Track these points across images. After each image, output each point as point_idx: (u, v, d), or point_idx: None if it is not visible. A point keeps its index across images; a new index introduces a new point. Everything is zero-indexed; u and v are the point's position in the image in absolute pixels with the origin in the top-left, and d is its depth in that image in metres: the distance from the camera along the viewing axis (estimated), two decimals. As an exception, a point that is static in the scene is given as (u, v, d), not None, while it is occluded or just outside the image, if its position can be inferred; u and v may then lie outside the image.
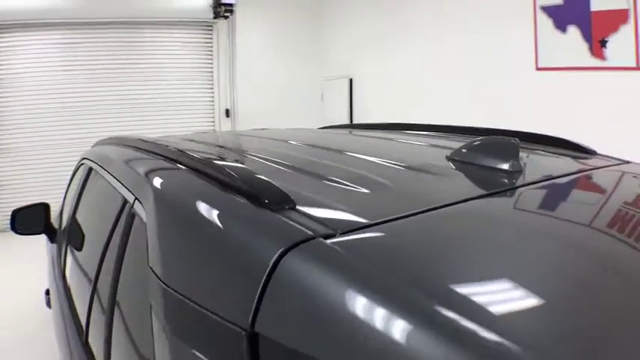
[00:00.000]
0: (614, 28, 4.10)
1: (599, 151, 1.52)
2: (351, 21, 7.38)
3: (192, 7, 6.86)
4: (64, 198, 3.14)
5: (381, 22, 6.85)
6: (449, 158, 1.27)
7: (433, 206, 0.86)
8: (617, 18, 4.07)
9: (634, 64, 3.98)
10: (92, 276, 1.50)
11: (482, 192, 1.02)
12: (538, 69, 4.94)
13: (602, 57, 4.27)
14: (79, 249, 2.04)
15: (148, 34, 6.83)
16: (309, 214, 0.83)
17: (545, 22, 4.75)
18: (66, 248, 2.17)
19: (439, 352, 0.52)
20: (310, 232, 0.73)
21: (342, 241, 0.71)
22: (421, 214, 0.83)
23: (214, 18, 6.93)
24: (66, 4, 6.13)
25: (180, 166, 1.25)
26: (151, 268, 0.93)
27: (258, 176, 0.99)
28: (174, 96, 7.04)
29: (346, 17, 7.49)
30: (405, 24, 6.49)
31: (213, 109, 7.33)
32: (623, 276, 0.73)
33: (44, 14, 6.05)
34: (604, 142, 1.62)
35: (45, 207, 2.96)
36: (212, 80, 7.30)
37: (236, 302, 0.69)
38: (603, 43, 4.24)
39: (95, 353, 1.38)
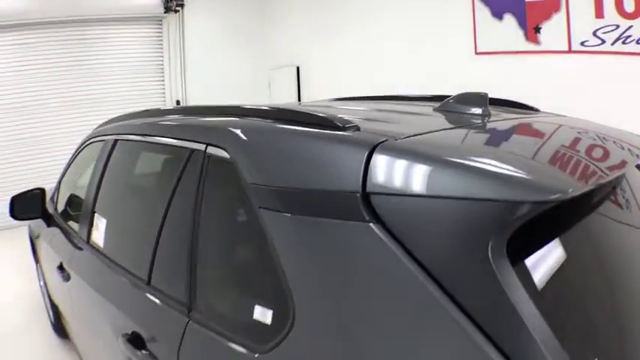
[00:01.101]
0: (547, 16, 4.57)
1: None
2: (296, 10, 7.64)
3: (144, 3, 6.96)
4: (59, 182, 3.27)
5: (325, 10, 7.15)
6: (436, 109, 1.66)
7: (439, 128, 1.30)
8: (549, 7, 4.54)
9: (566, 48, 4.45)
10: (156, 224, 1.69)
11: (467, 123, 1.45)
12: (477, 53, 5.36)
13: (536, 42, 4.74)
14: (128, 208, 2.27)
15: (99, 31, 6.88)
16: (372, 131, 1.21)
17: (483, 11, 5.18)
18: (92, 218, 2.31)
19: (476, 180, 0.91)
20: (385, 137, 1.08)
21: (404, 141, 1.10)
22: (437, 132, 1.25)
23: (165, 12, 7.06)
24: (18, 5, 6.11)
25: (243, 116, 1.53)
26: (253, 183, 1.22)
27: (324, 112, 1.32)
28: (127, 90, 7.14)
29: (290, 7, 7.74)
30: (348, 11, 6.81)
31: (164, 102, 7.47)
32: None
33: (-2, 17, 6.06)
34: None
35: (41, 192, 3.12)
36: (162, 73, 7.43)
37: (348, 179, 1.02)
38: (537, 30, 4.70)
39: (166, 289, 1.60)
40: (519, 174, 0.92)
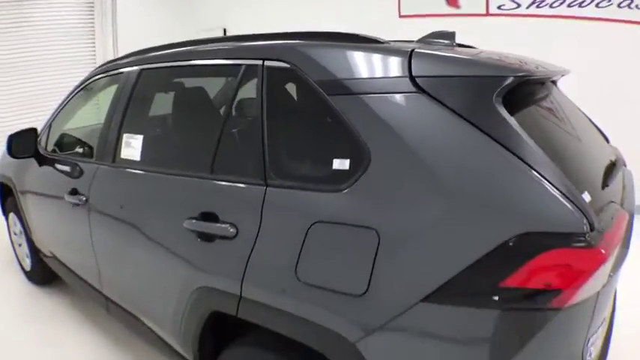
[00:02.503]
0: (468, -18, 5.22)
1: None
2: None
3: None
4: (50, 124, 3.41)
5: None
6: (418, 41, 2.08)
7: (440, 47, 1.81)
8: (470, -26, 5.18)
9: (484, 12, 5.13)
10: (216, 125, 2.05)
11: (450, 47, 1.92)
12: (401, 16, 5.92)
13: (456, 6, 5.38)
14: (174, 121, 2.64)
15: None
16: (399, 45, 1.68)
17: (407, -24, 5.73)
18: (118, 139, 2.53)
19: (481, 66, 1.54)
20: (412, 48, 1.57)
21: (426, 50, 1.60)
22: (441, 48, 1.78)
23: (96, -26, 6.98)
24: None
25: (289, 38, 1.93)
26: (320, 80, 1.66)
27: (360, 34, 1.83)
28: (57, 54, 7.07)
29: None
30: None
31: (95, 66, 7.36)
32: None
33: None
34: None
35: (34, 132, 3.27)
36: (94, 37, 7.40)
37: (399, 69, 1.53)
38: (457, -6, 5.33)
39: (234, 172, 1.93)
40: (505, 64, 1.58)
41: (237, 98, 2.01)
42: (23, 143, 3.20)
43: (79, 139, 3.25)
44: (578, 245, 1.21)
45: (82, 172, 2.78)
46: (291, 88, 1.87)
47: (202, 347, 2.04)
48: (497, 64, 1.56)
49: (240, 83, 1.97)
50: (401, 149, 1.44)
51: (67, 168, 2.98)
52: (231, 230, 1.79)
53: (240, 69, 1.97)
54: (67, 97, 3.32)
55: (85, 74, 3.24)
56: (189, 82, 2.69)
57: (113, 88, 2.79)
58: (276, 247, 1.67)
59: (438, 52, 1.62)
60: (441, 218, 1.32)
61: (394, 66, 1.55)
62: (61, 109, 3.37)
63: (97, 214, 2.60)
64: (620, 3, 4.67)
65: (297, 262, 1.56)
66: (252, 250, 1.73)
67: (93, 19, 7.34)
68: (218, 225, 1.84)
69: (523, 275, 1.21)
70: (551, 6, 4.71)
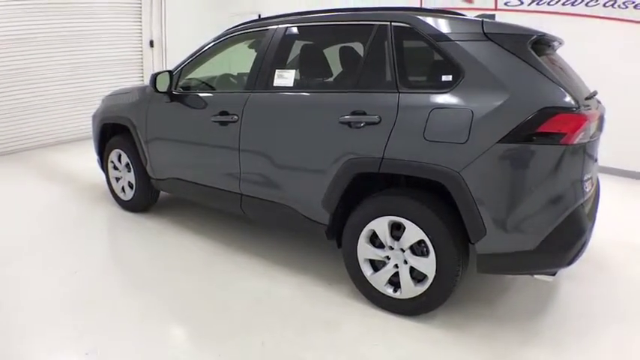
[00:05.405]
0: (480, -18, 6.36)
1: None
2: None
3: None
4: (180, 70, 4.02)
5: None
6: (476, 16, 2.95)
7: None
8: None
9: (493, 7, 6.30)
10: (357, 59, 3.15)
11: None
12: (421, 10, 6.92)
13: (470, 1, 6.54)
14: (321, 60, 3.51)
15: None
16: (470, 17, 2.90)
17: (427, -24, 6.79)
18: (270, 74, 3.38)
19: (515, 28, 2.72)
20: (481, 19, 2.70)
21: (488, 20, 2.71)
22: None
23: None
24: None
25: (406, 10, 2.99)
26: (429, 33, 2.73)
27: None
28: (102, 29, 7.79)
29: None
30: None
31: (141, 41, 8.22)
32: None
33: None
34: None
35: (170, 73, 3.96)
36: (140, 14, 8.11)
37: (478, 28, 2.64)
38: (472, -8, 6.45)
39: (374, 84, 2.97)
40: (531, 29, 2.70)
41: (373, 44, 2.99)
42: (162, 81, 3.92)
43: (214, 80, 4.13)
44: (573, 112, 2.37)
45: (232, 99, 3.59)
46: (408, 38, 2.86)
47: (338, 208, 2.99)
48: (527, 28, 2.64)
49: (374, 36, 2.97)
50: (480, 68, 2.53)
51: (213, 98, 3.80)
52: (377, 118, 2.77)
53: (374, 27, 2.97)
54: (196, 52, 4.06)
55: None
56: (330, 37, 3.58)
57: (250, 42, 3.77)
58: (410, 124, 2.67)
59: (495, 21, 2.69)
60: (504, 101, 2.42)
61: (474, 27, 2.62)
62: (191, 60, 4.08)
63: (249, 125, 3.43)
64: (605, 3, 5.75)
65: (425, 130, 2.59)
66: (392, 129, 2.72)
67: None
68: (367, 116, 2.81)
69: (548, 125, 2.33)
70: (548, 4, 5.86)
